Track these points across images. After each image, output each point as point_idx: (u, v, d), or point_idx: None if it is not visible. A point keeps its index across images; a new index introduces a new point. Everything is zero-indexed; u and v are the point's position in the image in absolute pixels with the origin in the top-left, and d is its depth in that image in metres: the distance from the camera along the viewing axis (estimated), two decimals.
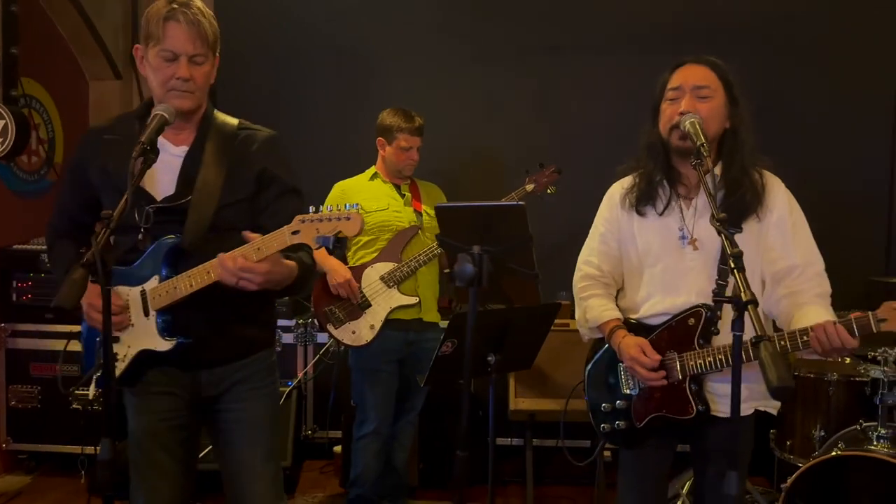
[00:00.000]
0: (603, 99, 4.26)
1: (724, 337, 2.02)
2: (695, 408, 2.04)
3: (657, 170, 2.11)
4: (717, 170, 2.06)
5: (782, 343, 1.88)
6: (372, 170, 3.41)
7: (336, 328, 3.21)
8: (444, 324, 3.34)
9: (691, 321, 2.05)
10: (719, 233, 1.69)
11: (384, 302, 3.21)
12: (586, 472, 3.91)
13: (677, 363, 2.06)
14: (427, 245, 3.25)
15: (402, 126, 3.29)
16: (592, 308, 2.22)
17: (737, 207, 2.01)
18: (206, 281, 1.88)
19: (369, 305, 3.20)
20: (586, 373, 2.29)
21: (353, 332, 3.20)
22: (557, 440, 3.74)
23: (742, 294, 1.53)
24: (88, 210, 2.10)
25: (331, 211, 1.71)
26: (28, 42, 3.88)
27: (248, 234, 1.83)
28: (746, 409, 2.08)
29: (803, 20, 4.21)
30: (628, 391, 2.16)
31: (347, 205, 1.72)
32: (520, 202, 2.02)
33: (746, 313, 1.53)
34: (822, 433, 3.06)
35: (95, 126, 2.14)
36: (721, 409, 2.07)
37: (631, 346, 2.08)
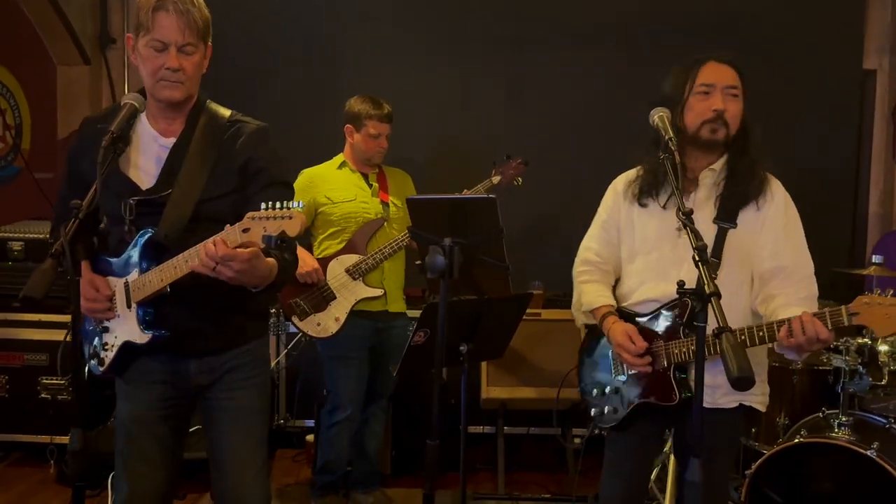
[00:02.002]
0: (572, 92, 4.28)
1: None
2: (678, 395, 2.08)
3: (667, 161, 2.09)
4: (721, 163, 2.11)
5: (760, 334, 1.92)
6: (340, 157, 3.37)
7: (301, 320, 3.19)
8: (414, 313, 3.36)
9: (677, 310, 2.09)
10: (684, 225, 1.72)
11: (350, 294, 3.19)
12: (557, 459, 4.00)
13: (663, 351, 2.10)
14: (393, 237, 3.24)
15: (371, 113, 3.26)
16: (587, 293, 2.26)
17: (735, 201, 2.06)
18: (175, 275, 1.86)
19: (334, 297, 3.19)
20: (580, 358, 2.36)
21: (318, 324, 3.18)
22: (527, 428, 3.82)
23: (706, 287, 1.57)
24: None
25: (277, 209, 1.69)
26: None
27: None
28: (730, 402, 2.12)
29: (769, 12, 4.25)
30: (618, 376, 2.22)
31: (294, 203, 1.70)
32: (491, 195, 2.03)
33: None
34: (786, 421, 3.14)
35: (91, 116, 2.12)
36: (706, 400, 2.10)
37: (619, 332, 2.12)
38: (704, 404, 2.05)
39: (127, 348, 1.99)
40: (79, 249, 1.61)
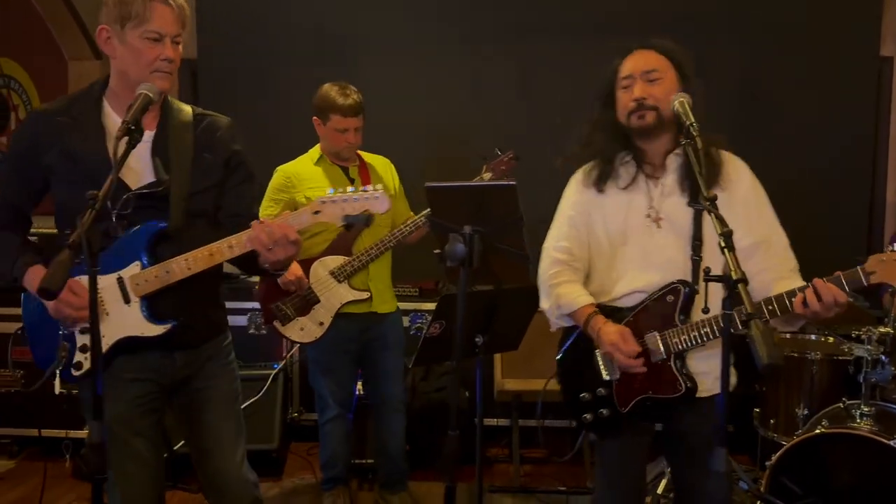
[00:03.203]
0: (586, 82, 4.23)
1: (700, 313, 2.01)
2: (683, 385, 2.04)
3: (616, 149, 2.12)
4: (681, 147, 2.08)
5: (770, 307, 1.90)
6: (317, 151, 3.19)
7: (283, 325, 3.08)
8: (429, 305, 3.31)
9: (670, 298, 2.05)
10: (709, 212, 1.69)
11: (334, 298, 3.07)
12: (572, 451, 3.97)
13: (660, 342, 2.05)
14: (380, 236, 3.09)
15: (335, 104, 3.01)
16: (565, 294, 2.16)
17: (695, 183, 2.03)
18: (210, 262, 1.91)
19: (318, 301, 3.06)
20: (558, 362, 2.27)
21: (302, 329, 3.08)
22: (540, 420, 3.80)
23: (732, 273, 1.54)
24: (34, 198, 2.05)
25: (353, 191, 1.86)
26: (5, 21, 3.81)
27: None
28: (717, 388, 2.07)
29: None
30: (608, 377, 2.13)
31: (369, 187, 1.87)
32: (511, 182, 1.99)
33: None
34: (806, 411, 3.09)
35: (44, 108, 2.05)
36: (701, 388, 2.07)
37: (611, 332, 2.05)
38: (705, 393, 2.06)
39: (120, 345, 1.97)
40: (95, 241, 1.59)
